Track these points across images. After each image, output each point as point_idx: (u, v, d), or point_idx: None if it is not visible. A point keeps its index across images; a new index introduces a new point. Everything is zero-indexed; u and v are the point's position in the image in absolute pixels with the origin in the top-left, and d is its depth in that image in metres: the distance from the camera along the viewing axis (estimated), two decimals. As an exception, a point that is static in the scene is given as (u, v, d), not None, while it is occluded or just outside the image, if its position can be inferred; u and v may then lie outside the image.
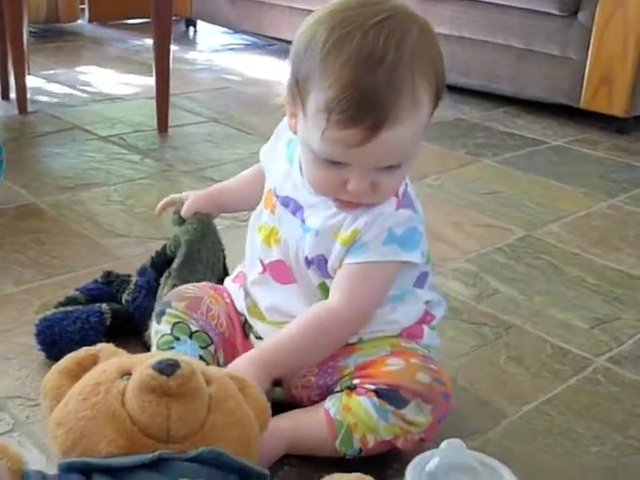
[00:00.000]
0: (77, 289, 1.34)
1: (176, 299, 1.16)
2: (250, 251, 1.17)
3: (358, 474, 0.85)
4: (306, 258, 1.07)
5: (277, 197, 1.11)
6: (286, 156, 1.13)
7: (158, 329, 1.14)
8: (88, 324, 1.23)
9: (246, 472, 0.84)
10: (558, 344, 1.38)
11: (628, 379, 1.29)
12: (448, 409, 1.04)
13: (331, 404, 1.03)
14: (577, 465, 1.09)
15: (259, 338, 1.13)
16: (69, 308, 1.26)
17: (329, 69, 0.93)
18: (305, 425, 1.03)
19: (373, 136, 0.93)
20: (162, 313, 1.15)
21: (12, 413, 1.11)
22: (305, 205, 1.08)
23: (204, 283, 1.21)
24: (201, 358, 1.10)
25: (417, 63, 0.94)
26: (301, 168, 1.07)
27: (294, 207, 1.09)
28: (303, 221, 1.07)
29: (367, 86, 0.91)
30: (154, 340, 1.14)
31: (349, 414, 1.01)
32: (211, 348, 1.13)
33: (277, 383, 1.08)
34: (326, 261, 1.06)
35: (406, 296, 1.11)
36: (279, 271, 1.11)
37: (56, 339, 1.22)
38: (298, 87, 0.99)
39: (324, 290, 1.08)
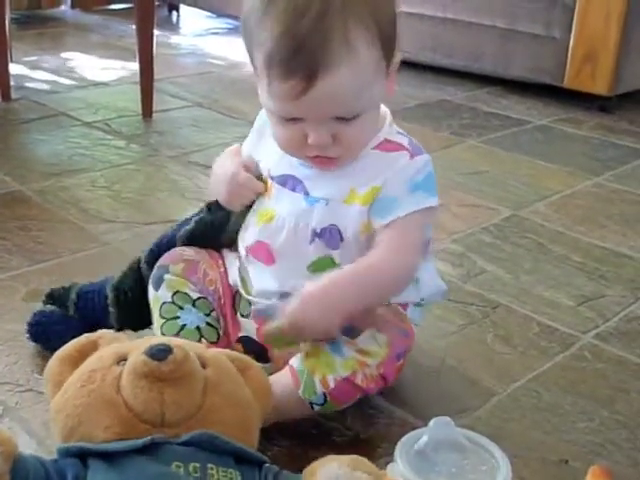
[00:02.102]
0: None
1: (173, 262, 1.16)
2: (243, 234, 1.16)
3: (353, 456, 0.85)
4: (314, 231, 1.07)
5: (272, 178, 1.12)
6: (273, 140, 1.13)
7: (157, 295, 1.14)
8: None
9: (242, 455, 0.84)
10: (545, 322, 1.39)
11: (614, 355, 1.30)
12: (407, 346, 1.04)
13: (295, 359, 1.04)
14: (565, 441, 1.10)
15: (245, 317, 1.14)
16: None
17: (264, 25, 0.96)
18: (273, 383, 1.01)
19: (310, 86, 0.95)
20: (160, 279, 1.14)
21: (1, 399, 1.11)
22: (304, 178, 1.09)
23: (198, 249, 1.19)
24: (209, 325, 1.11)
25: (350, 9, 0.95)
26: None
27: (293, 183, 1.09)
28: (307, 194, 1.08)
29: (295, 36, 0.94)
30: (154, 307, 1.14)
31: (308, 360, 1.02)
32: (214, 314, 1.14)
33: (266, 359, 1.09)
34: (339, 231, 1.06)
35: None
36: (260, 252, 1.11)
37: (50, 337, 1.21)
38: (247, 48, 1.02)
39: (325, 265, 1.07)
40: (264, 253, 1.11)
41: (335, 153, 1.03)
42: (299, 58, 0.94)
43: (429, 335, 1.16)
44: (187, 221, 1.23)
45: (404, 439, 0.89)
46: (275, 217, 1.10)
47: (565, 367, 1.27)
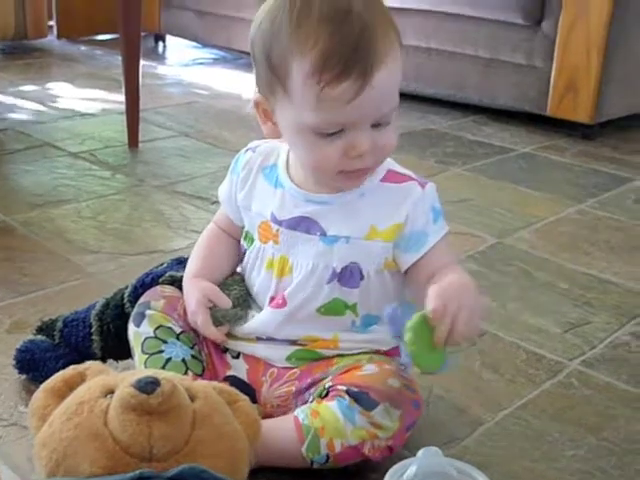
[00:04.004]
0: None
1: (154, 298, 1.15)
2: (259, 291, 1.13)
3: None
4: (334, 270, 1.06)
5: (280, 223, 1.08)
6: (269, 183, 1.11)
7: (139, 331, 1.12)
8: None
9: None
10: (532, 349, 1.39)
11: (601, 382, 1.31)
12: (417, 417, 1.04)
13: (300, 411, 1.03)
14: (554, 469, 1.09)
15: (235, 358, 1.13)
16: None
17: (304, 34, 0.95)
18: (273, 430, 1.01)
19: (367, 82, 0.94)
20: (142, 315, 1.13)
21: (-14, 433, 1.10)
22: (318, 218, 1.07)
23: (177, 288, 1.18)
24: (194, 358, 1.10)
25: (373, 9, 0.97)
26: (291, 180, 1.08)
27: (307, 225, 1.07)
28: (324, 234, 1.06)
29: (347, 36, 0.94)
30: (136, 343, 1.12)
31: (317, 418, 1.01)
32: (197, 347, 1.12)
33: (253, 401, 1.07)
34: (360, 269, 1.06)
35: None
36: (275, 301, 1.10)
37: (37, 365, 1.20)
38: (274, 70, 0.99)
39: (337, 308, 1.07)
40: (277, 300, 1.10)
41: (373, 162, 1.02)
42: (354, 57, 0.94)
43: (416, 364, 1.15)
44: (172, 265, 1.23)
45: (393, 469, 0.89)
46: (291, 266, 1.08)
47: (552, 394, 1.27)
